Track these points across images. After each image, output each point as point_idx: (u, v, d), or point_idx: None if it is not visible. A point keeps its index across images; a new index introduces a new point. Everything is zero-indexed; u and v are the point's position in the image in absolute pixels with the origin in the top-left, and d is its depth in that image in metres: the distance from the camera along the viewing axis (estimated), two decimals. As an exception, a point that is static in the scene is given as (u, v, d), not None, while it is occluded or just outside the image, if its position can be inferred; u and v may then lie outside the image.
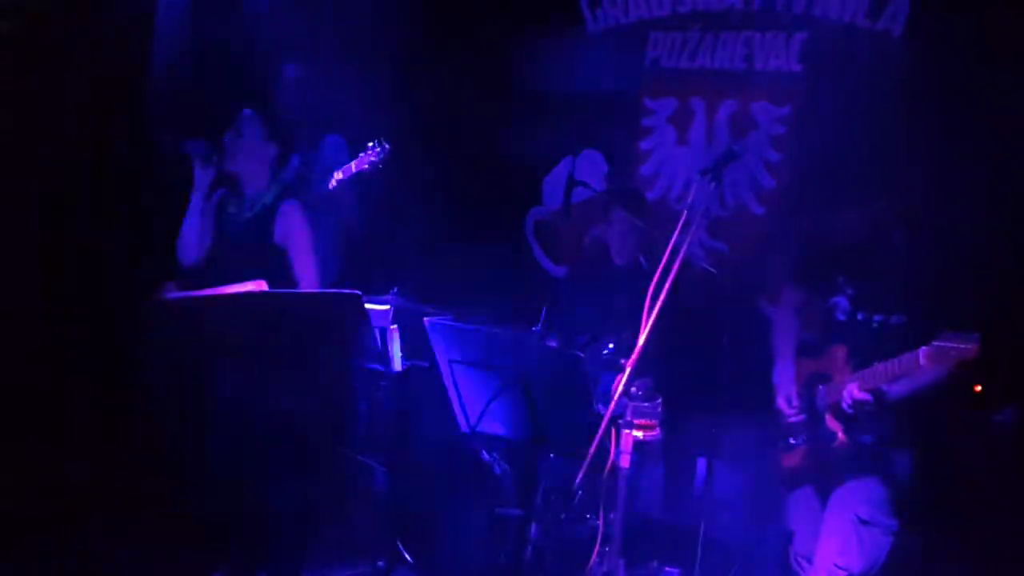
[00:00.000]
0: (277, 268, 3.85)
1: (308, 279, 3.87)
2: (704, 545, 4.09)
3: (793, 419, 3.43)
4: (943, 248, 3.28)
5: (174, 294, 3.65)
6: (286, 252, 3.88)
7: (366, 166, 4.62)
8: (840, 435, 3.28)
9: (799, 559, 3.50)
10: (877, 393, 3.16)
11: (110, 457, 3.81)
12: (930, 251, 3.23)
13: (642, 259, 4.37)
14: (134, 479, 3.74)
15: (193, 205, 3.91)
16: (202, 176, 3.88)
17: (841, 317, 3.34)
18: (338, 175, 4.68)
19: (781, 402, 3.46)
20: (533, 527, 3.90)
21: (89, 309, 3.99)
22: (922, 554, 3.84)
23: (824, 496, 3.41)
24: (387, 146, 4.59)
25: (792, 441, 3.48)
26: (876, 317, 3.25)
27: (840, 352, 3.33)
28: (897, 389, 3.15)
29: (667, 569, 4.34)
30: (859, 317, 3.29)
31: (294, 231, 3.89)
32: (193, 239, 3.91)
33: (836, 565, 3.24)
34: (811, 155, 4.56)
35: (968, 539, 3.95)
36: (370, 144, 4.64)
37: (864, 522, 3.24)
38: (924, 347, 2.97)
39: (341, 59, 5.45)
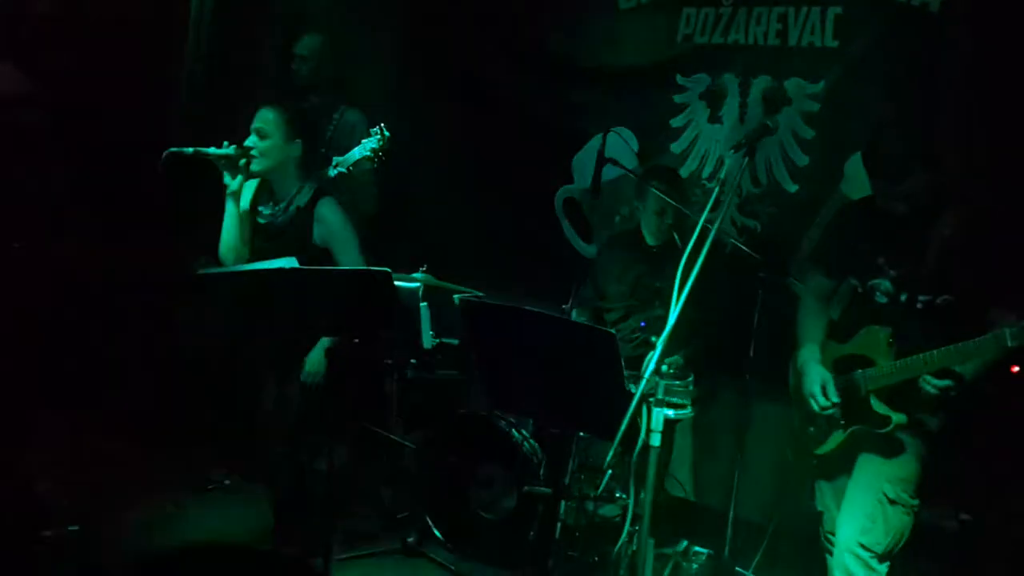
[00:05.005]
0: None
1: None
2: (734, 524, 4.08)
3: (827, 407, 3.30)
4: (987, 226, 3.21)
5: (212, 268, 3.67)
6: (328, 251, 3.86)
7: (367, 153, 4.62)
8: (891, 419, 3.19)
9: (829, 539, 3.47)
10: (954, 375, 3.05)
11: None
12: (974, 230, 3.16)
13: (675, 236, 4.35)
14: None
15: (228, 212, 3.87)
16: (231, 181, 3.81)
17: (882, 299, 3.27)
18: (338, 162, 4.69)
19: (813, 390, 3.33)
20: (562, 506, 3.90)
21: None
22: (946, 533, 3.84)
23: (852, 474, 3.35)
24: (387, 134, 4.59)
25: (826, 427, 3.40)
26: (921, 298, 3.18)
27: (880, 335, 3.26)
28: (967, 369, 3.05)
29: (696, 548, 4.34)
30: (902, 299, 3.21)
31: (334, 230, 3.87)
32: (231, 245, 3.88)
33: (861, 544, 3.19)
34: (845, 132, 4.50)
35: (997, 519, 3.94)
36: (372, 131, 4.64)
37: (890, 501, 3.19)
38: (1009, 327, 2.86)
39: (368, 34, 5.45)
